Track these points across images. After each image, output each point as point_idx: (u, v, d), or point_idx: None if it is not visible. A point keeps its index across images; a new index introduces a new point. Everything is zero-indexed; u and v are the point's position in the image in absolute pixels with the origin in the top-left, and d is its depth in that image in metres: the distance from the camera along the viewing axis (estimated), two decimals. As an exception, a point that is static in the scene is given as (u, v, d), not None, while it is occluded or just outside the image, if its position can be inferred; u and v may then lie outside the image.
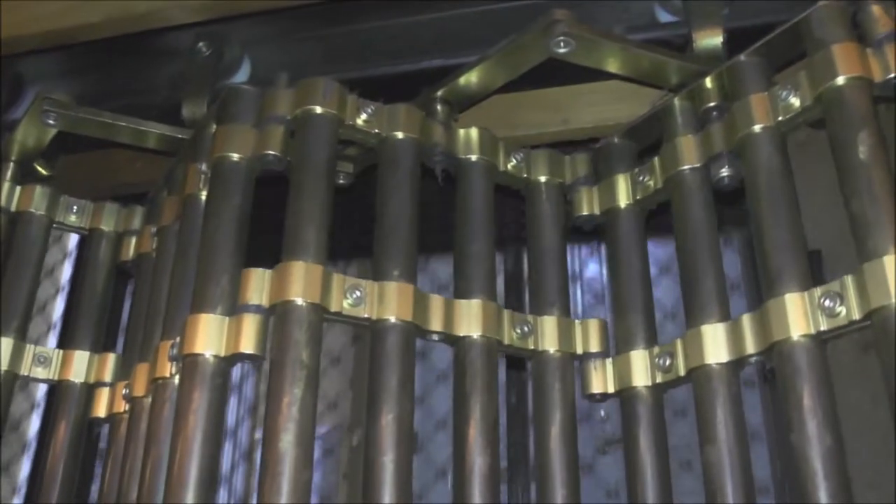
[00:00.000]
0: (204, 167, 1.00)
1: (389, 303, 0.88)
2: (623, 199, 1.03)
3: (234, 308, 0.86)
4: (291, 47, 1.28)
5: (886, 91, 0.84)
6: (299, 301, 0.84)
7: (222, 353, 0.85)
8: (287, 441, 0.78)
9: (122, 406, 1.05)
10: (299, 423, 0.79)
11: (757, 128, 0.90)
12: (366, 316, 0.87)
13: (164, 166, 1.16)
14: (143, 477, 0.89)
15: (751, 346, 0.84)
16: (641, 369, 0.94)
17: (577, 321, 0.99)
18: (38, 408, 2.06)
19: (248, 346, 0.84)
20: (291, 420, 0.79)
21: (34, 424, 2.06)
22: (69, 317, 1.18)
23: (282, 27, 1.28)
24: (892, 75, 0.83)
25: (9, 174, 1.18)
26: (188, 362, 0.85)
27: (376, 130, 0.98)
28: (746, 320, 0.85)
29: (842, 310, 0.77)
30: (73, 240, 1.84)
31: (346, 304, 0.87)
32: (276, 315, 0.85)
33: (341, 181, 1.13)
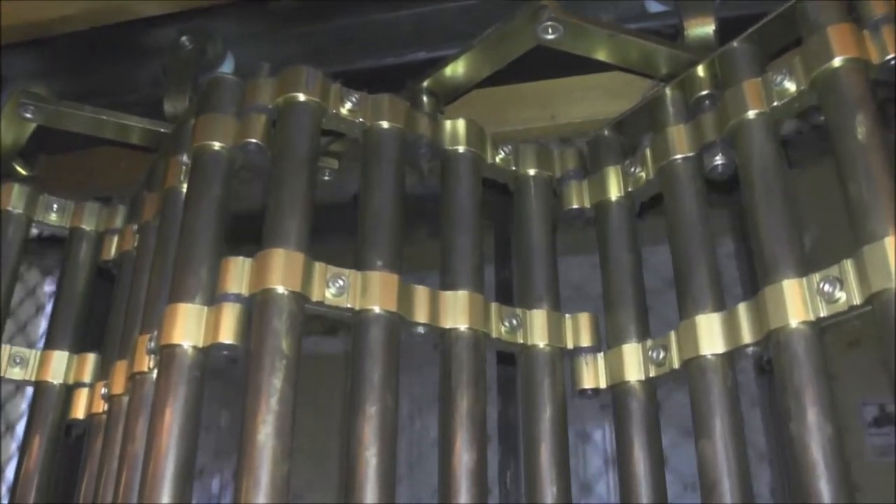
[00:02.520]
0: (185, 158, 0.98)
1: (373, 293, 0.85)
2: (614, 192, 1.01)
3: (213, 298, 0.84)
4: (274, 44, 1.26)
5: (883, 74, 0.82)
6: (280, 289, 0.81)
7: (200, 344, 0.82)
8: (265, 433, 0.75)
9: (100, 406, 1.02)
10: (278, 414, 0.76)
11: (750, 114, 0.87)
12: (348, 306, 0.84)
13: (147, 166, 1.14)
14: (119, 475, 0.86)
15: (747, 336, 0.81)
16: (634, 363, 0.91)
17: (567, 315, 0.97)
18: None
19: (227, 336, 0.81)
20: (270, 412, 0.76)
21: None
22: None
23: (264, 24, 1.26)
24: (890, 56, 0.80)
25: (-14, 172, 1.16)
26: (165, 353, 0.82)
27: (360, 120, 0.96)
28: (742, 309, 0.82)
29: (841, 295, 0.75)
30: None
31: (328, 293, 0.84)
32: (256, 304, 0.81)
33: (326, 178, 1.11)
